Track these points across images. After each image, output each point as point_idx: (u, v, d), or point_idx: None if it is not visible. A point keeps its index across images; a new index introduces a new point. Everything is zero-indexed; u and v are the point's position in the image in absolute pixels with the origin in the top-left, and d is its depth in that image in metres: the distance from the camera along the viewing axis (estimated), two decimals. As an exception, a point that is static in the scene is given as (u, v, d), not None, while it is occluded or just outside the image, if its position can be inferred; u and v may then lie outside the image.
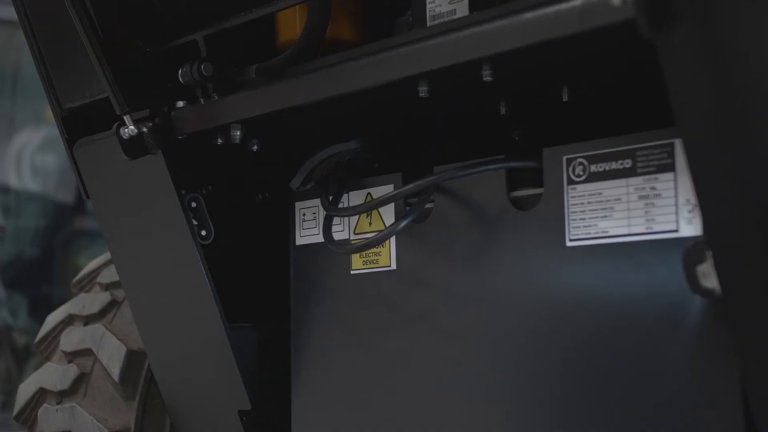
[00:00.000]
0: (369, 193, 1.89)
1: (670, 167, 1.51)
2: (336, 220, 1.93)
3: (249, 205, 2.11)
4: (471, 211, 1.74)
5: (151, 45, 1.97)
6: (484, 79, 1.53)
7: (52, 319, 2.54)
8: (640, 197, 1.53)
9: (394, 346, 1.84)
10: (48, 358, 2.50)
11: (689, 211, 1.49)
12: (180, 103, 1.96)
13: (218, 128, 1.90)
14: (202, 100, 1.91)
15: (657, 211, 1.52)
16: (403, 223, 1.78)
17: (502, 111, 1.78)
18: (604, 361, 1.57)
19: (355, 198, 1.91)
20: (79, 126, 2.17)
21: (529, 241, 1.66)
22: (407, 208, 1.82)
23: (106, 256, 2.55)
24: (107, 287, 2.46)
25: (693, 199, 1.46)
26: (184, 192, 1.98)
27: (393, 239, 1.85)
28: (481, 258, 1.72)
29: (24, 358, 6.37)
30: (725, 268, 1.33)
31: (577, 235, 1.60)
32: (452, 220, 1.76)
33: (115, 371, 2.29)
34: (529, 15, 1.43)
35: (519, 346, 1.67)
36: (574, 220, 1.60)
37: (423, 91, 1.60)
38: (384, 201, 1.80)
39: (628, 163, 1.55)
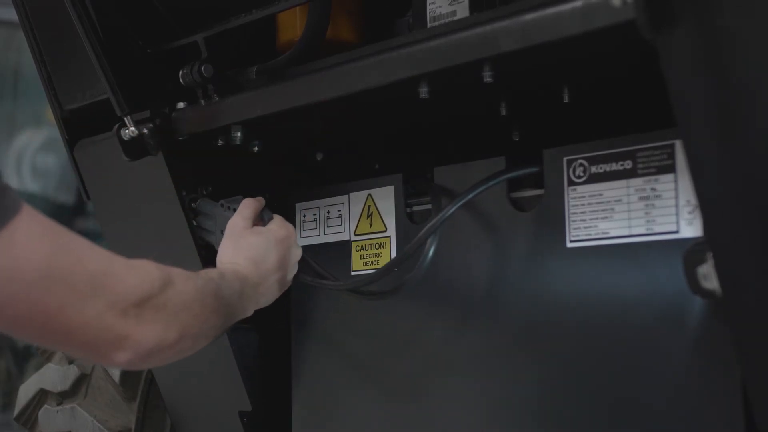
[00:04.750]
0: (369, 194, 1.89)
1: (671, 168, 1.51)
2: (336, 221, 1.94)
3: (250, 205, 2.11)
4: (471, 212, 1.74)
5: (151, 46, 1.96)
6: (485, 80, 1.53)
7: (53, 320, 2.53)
8: (641, 198, 1.53)
9: (393, 346, 1.84)
10: (48, 359, 2.49)
11: (690, 212, 1.49)
12: (180, 104, 1.96)
13: (219, 129, 1.90)
14: (202, 101, 1.91)
15: (657, 212, 1.52)
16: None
17: (503, 112, 1.78)
18: (604, 362, 1.57)
19: (355, 199, 1.91)
20: (79, 127, 2.17)
21: (529, 242, 1.66)
22: (407, 209, 1.83)
23: (106, 257, 2.54)
24: (108, 288, 2.46)
25: (693, 200, 1.46)
26: (184, 193, 1.98)
27: (393, 240, 1.85)
28: (482, 259, 1.72)
29: (24, 359, 6.36)
30: (726, 269, 1.33)
31: (578, 236, 1.60)
32: (453, 221, 1.76)
33: (116, 372, 2.29)
34: (530, 16, 1.42)
35: (519, 347, 1.67)
36: (575, 221, 1.60)
37: (423, 92, 1.60)
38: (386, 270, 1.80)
39: (628, 164, 1.55)
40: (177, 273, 1.44)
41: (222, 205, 1.88)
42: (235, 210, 1.80)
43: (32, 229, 1.27)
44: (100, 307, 1.31)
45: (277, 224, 1.76)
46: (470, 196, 1.69)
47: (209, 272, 1.58)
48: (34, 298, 1.27)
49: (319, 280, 1.86)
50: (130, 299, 1.34)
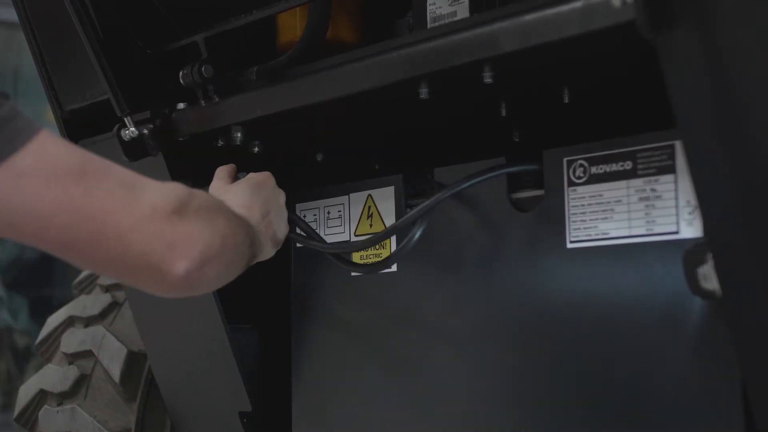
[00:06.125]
0: (369, 195, 1.89)
1: (671, 169, 1.51)
2: (336, 222, 1.94)
3: (250, 206, 2.11)
4: (471, 213, 1.74)
5: (151, 46, 1.97)
6: (485, 80, 1.53)
7: (53, 320, 2.54)
8: (641, 199, 1.53)
9: (394, 347, 1.84)
10: (49, 360, 2.50)
11: (690, 213, 1.49)
12: (181, 105, 1.96)
13: (219, 130, 1.90)
14: (202, 101, 1.91)
15: (657, 212, 1.52)
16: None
17: (503, 112, 1.78)
18: (605, 362, 1.57)
19: (355, 199, 1.91)
20: (79, 127, 2.17)
21: (529, 243, 1.66)
22: (407, 209, 1.83)
23: (106, 257, 2.54)
24: (108, 289, 2.46)
25: (693, 200, 1.46)
26: (184, 193, 1.98)
27: (394, 240, 1.85)
28: (482, 259, 1.72)
29: (25, 360, 6.37)
30: (726, 269, 1.33)
31: (578, 236, 1.60)
32: (453, 221, 1.76)
33: (116, 373, 2.29)
34: (530, 17, 1.43)
35: (519, 347, 1.67)
36: (575, 221, 1.60)
37: (424, 92, 1.60)
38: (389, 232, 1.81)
39: (628, 165, 1.55)
40: (194, 189, 1.47)
41: None
42: None
43: (59, 141, 1.31)
44: (144, 210, 1.33)
45: (253, 173, 1.81)
46: (468, 184, 1.69)
47: None
48: (77, 201, 1.29)
49: (308, 240, 1.89)
50: (168, 206, 1.37)
